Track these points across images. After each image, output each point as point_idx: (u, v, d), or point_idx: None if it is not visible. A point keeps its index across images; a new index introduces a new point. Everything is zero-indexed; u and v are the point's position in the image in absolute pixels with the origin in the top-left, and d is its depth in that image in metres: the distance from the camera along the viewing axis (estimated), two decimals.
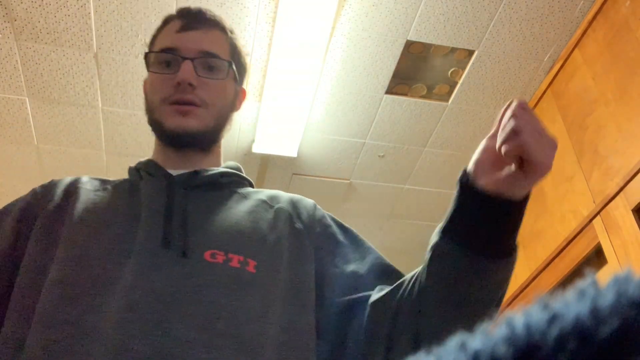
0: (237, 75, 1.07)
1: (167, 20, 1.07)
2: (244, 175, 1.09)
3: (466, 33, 2.35)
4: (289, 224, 0.95)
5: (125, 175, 1.04)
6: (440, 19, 2.30)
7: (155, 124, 1.00)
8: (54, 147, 2.76)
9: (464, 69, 2.50)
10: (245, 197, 0.99)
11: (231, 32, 1.10)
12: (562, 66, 2.40)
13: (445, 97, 2.62)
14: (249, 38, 2.34)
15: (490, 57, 2.45)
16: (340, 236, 1.00)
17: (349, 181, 3.00)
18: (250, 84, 2.51)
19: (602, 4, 2.18)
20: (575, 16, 2.30)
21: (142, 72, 2.43)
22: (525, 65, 2.48)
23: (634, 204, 1.88)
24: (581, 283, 0.22)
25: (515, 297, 2.49)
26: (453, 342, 0.23)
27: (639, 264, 1.78)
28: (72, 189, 0.97)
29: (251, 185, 1.09)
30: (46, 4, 2.18)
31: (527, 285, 2.42)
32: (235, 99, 1.09)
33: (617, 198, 1.96)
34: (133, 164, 1.05)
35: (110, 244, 0.84)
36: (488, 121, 2.72)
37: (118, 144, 2.75)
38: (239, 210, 0.94)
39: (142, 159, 1.04)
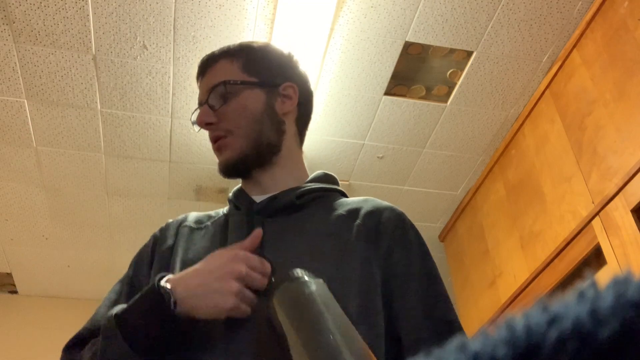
0: (261, 80, 1.04)
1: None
2: (329, 186, 1.05)
3: (465, 34, 2.36)
4: (364, 247, 0.92)
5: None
6: (438, 20, 2.30)
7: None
8: (53, 150, 2.76)
9: (462, 70, 2.50)
10: (327, 213, 0.97)
11: (244, 46, 1.08)
12: (560, 67, 2.40)
13: (444, 98, 2.63)
14: (248, 39, 2.34)
15: (489, 58, 2.45)
16: (416, 267, 0.94)
17: (348, 182, 3.00)
18: None
19: (601, 5, 2.18)
20: (574, 17, 2.31)
21: (141, 74, 2.43)
22: (523, 66, 2.49)
23: (633, 205, 1.88)
24: (581, 284, 0.22)
25: (514, 298, 2.50)
26: (453, 343, 0.23)
27: (639, 265, 1.78)
28: (180, 229, 1.03)
29: (343, 194, 1.06)
30: (45, 6, 2.18)
31: (527, 286, 2.42)
32: (272, 101, 1.05)
33: (616, 198, 1.96)
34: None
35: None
36: (487, 122, 2.73)
37: (117, 146, 2.75)
38: (316, 233, 0.94)
39: (237, 187, 1.08)
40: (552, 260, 2.27)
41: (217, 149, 1.03)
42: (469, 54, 2.44)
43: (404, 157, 2.88)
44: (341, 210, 0.98)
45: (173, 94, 2.52)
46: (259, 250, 0.88)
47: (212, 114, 1.01)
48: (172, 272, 0.91)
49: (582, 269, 2.14)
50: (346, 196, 1.07)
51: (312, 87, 1.18)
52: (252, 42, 1.11)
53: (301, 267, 0.81)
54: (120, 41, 2.31)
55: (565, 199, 2.25)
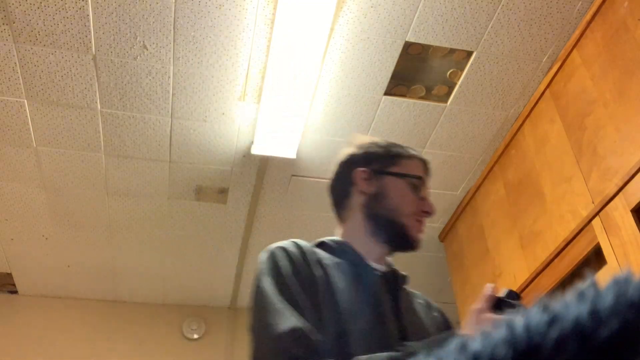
0: None
1: (412, 157, 1.36)
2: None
3: (465, 34, 2.36)
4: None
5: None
6: (438, 20, 2.30)
7: (398, 227, 1.21)
8: (53, 150, 2.76)
9: (462, 70, 2.50)
10: (412, 296, 1.25)
11: None
12: (560, 67, 2.40)
13: (444, 98, 2.63)
14: (248, 40, 2.34)
15: (489, 58, 2.45)
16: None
17: None
18: (248, 85, 2.52)
19: (601, 5, 2.18)
20: (574, 17, 2.31)
21: (141, 74, 2.43)
22: (523, 66, 2.49)
23: (633, 205, 1.88)
24: (581, 284, 0.22)
25: None
26: (453, 343, 0.23)
27: (638, 265, 1.78)
28: (320, 263, 1.14)
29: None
30: (45, 6, 2.18)
31: (527, 286, 2.42)
32: None
33: (616, 198, 1.96)
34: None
35: (371, 328, 1.05)
36: (487, 122, 2.73)
37: (117, 146, 2.75)
38: (419, 311, 1.21)
39: (336, 239, 1.23)
40: (552, 260, 2.27)
41: (422, 231, 1.24)
42: (469, 54, 2.44)
43: None
44: (419, 299, 1.26)
45: (173, 94, 2.52)
46: (398, 315, 1.11)
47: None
48: (334, 307, 1.04)
49: (582, 269, 2.14)
50: None
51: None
52: None
53: (433, 338, 1.06)
54: (120, 41, 2.31)
55: (565, 199, 2.25)
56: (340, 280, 1.10)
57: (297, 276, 1.06)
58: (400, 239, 1.22)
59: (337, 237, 1.24)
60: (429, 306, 1.25)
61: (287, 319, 0.96)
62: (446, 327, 1.22)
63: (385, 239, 1.21)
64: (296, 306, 1.00)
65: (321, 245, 1.21)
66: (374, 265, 1.19)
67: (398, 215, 1.22)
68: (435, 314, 1.24)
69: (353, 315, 1.05)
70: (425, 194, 1.30)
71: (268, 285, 1.04)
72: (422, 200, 1.28)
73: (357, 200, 1.25)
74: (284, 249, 1.11)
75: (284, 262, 1.07)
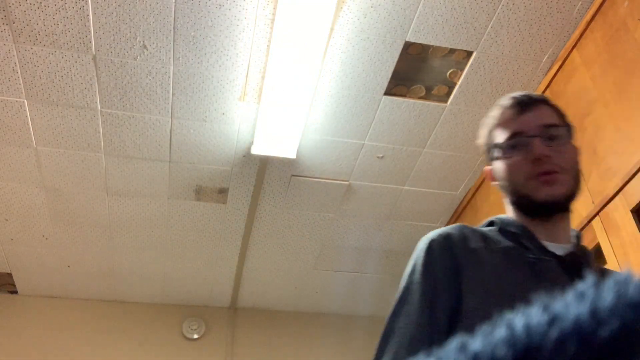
0: (572, 136, 1.15)
1: (502, 114, 1.17)
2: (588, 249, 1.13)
3: (465, 34, 2.36)
4: None
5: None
6: (438, 20, 2.30)
7: (524, 199, 1.07)
8: (53, 150, 2.76)
9: (462, 70, 2.50)
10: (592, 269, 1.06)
11: (551, 101, 1.20)
12: (560, 67, 2.40)
13: (444, 98, 2.63)
14: (248, 40, 2.34)
15: (489, 58, 2.45)
16: None
17: (348, 182, 3.00)
18: (248, 85, 2.52)
19: (601, 5, 2.18)
20: (574, 17, 2.31)
21: (141, 74, 2.43)
22: (523, 66, 2.49)
23: (632, 205, 1.88)
24: (581, 284, 0.22)
25: None
26: (453, 343, 0.23)
27: (638, 265, 1.78)
28: (467, 250, 1.04)
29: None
30: (45, 6, 2.18)
31: None
32: (579, 158, 1.15)
33: (616, 199, 1.96)
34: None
35: None
36: None
37: (117, 146, 2.75)
38: None
39: (507, 219, 1.11)
40: None
41: (547, 182, 1.05)
42: (469, 54, 2.44)
43: (404, 157, 2.88)
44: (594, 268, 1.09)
45: (173, 94, 2.52)
46: None
47: (547, 148, 1.07)
48: (488, 294, 0.95)
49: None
50: None
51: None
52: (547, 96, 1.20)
53: None
54: (120, 41, 2.31)
55: None
56: (487, 263, 1.01)
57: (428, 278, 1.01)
58: (532, 209, 1.07)
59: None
60: None
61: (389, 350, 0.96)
62: None
63: (521, 214, 1.10)
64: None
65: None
66: (546, 244, 1.04)
67: (518, 190, 1.08)
68: None
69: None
70: (532, 142, 1.07)
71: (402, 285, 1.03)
72: (526, 154, 1.07)
73: None
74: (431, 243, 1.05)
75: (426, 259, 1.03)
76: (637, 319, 0.20)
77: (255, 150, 2.75)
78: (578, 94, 2.26)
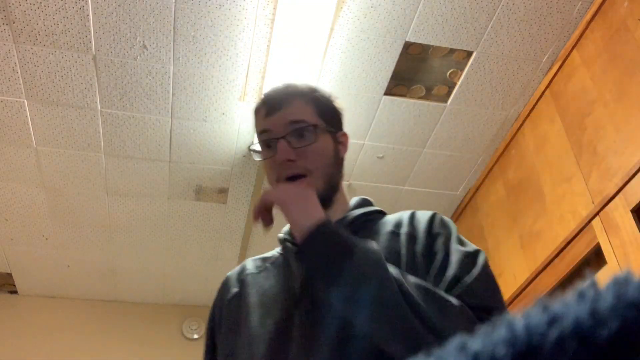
0: (330, 127, 1.12)
1: (256, 111, 1.13)
2: (369, 209, 1.12)
3: (465, 34, 2.36)
4: (412, 250, 0.99)
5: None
6: (438, 20, 2.30)
7: None
8: (53, 150, 2.76)
9: (462, 70, 2.50)
10: (375, 234, 1.04)
11: (313, 91, 1.13)
12: (560, 67, 2.40)
13: (444, 98, 2.63)
14: (248, 40, 2.34)
15: (489, 58, 2.45)
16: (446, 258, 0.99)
17: (348, 182, 3.00)
18: (248, 85, 2.52)
19: (601, 5, 2.18)
20: (574, 17, 2.31)
21: (141, 74, 2.43)
22: (523, 66, 2.49)
23: (633, 204, 1.88)
24: (581, 284, 0.22)
25: (514, 298, 2.49)
26: (453, 343, 0.23)
27: (638, 265, 1.78)
28: (242, 277, 1.11)
29: (381, 213, 1.13)
30: (45, 6, 2.18)
31: (527, 286, 2.42)
32: (337, 147, 1.14)
33: (616, 198, 1.96)
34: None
35: (274, 328, 0.97)
36: (487, 122, 2.73)
37: (117, 146, 2.75)
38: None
39: (287, 227, 1.11)
40: (552, 260, 2.27)
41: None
42: (469, 54, 2.44)
43: (404, 157, 2.88)
44: (388, 227, 1.05)
45: (173, 94, 2.52)
46: None
47: (292, 151, 1.03)
48: (246, 315, 1.01)
49: (582, 269, 2.14)
50: (385, 215, 1.13)
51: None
52: (314, 86, 1.16)
53: None
54: (120, 41, 2.31)
55: (565, 199, 2.25)
56: (256, 284, 1.09)
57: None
58: None
59: None
60: (397, 230, 1.05)
61: None
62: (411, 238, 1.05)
63: None
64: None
65: None
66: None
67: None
68: (404, 230, 1.04)
69: None
70: (277, 145, 1.03)
71: None
72: (275, 156, 1.04)
73: None
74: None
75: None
76: (637, 319, 0.20)
77: None
78: (578, 94, 2.26)
